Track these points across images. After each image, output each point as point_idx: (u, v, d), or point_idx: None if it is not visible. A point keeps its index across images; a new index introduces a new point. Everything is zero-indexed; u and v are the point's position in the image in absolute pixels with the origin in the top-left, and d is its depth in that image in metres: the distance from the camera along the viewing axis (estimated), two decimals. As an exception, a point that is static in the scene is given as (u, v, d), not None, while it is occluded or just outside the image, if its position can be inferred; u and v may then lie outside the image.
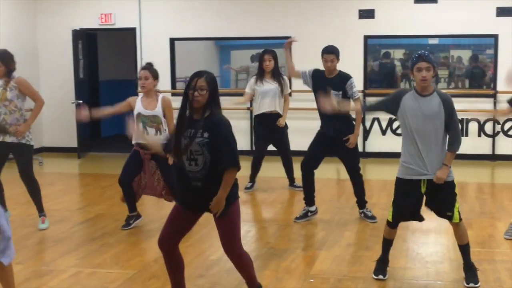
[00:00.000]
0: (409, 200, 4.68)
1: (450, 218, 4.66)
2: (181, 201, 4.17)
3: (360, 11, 10.39)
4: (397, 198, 4.74)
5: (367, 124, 10.53)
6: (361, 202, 6.66)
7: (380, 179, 8.55)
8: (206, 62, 11.81)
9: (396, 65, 11.31)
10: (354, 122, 6.51)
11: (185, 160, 3.97)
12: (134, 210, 6.33)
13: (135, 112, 6.06)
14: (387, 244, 4.90)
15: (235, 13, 10.82)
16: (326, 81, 6.35)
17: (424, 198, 4.70)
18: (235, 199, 4.11)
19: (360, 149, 10.46)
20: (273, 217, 7.06)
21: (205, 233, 5.97)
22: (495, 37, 10.21)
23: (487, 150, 10.31)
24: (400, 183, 4.73)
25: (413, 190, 4.64)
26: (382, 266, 4.90)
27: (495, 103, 10.20)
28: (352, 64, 10.30)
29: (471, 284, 4.65)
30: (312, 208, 6.67)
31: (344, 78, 6.41)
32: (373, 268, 4.95)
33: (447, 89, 10.67)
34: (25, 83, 6.22)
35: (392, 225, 4.81)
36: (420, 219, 4.79)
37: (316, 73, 6.49)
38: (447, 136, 4.63)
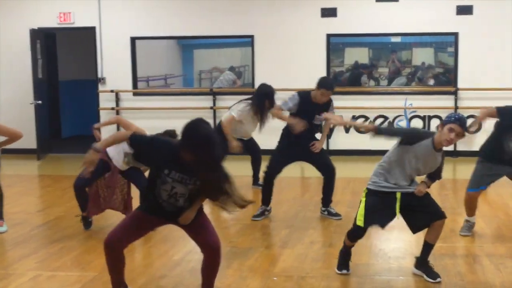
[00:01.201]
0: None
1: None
2: (146, 209, 4.09)
3: (322, 9, 10.42)
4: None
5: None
6: (327, 200, 6.66)
7: (344, 176, 8.55)
8: (168, 62, 11.69)
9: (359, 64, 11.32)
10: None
11: (164, 194, 3.92)
12: (85, 209, 6.20)
13: None
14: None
15: (198, 12, 10.75)
16: (312, 106, 6.39)
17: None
18: None
19: (324, 147, 10.51)
20: (237, 216, 6.96)
21: (167, 234, 5.88)
22: (456, 35, 10.35)
23: (449, 147, 10.39)
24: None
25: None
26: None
27: (456, 100, 10.34)
28: (315, 62, 10.37)
29: (438, 279, 4.67)
30: (268, 207, 6.68)
31: (327, 102, 6.45)
32: (334, 265, 4.96)
33: (409, 87, 10.75)
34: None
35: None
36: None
37: (302, 99, 6.43)
38: None
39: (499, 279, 4.77)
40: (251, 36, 10.46)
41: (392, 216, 4.72)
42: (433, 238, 4.75)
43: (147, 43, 11.08)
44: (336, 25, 10.43)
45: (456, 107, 10.31)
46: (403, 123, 10.37)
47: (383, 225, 4.76)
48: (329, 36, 10.49)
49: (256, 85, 10.43)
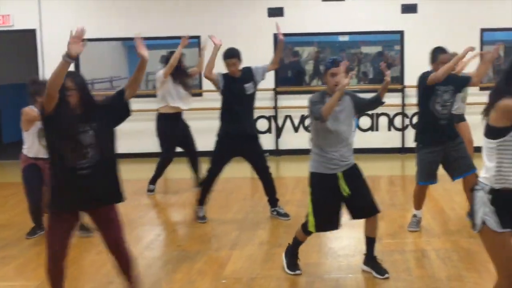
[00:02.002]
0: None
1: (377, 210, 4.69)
2: (62, 203, 3.90)
3: (269, 9, 10.41)
4: None
5: (280, 122, 10.56)
6: (273, 200, 6.61)
7: (294, 176, 8.56)
8: (114, 64, 11.46)
9: (306, 63, 11.35)
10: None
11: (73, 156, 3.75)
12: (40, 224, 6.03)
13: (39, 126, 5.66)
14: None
15: (144, 13, 10.58)
16: (236, 80, 6.30)
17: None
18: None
19: (273, 146, 10.52)
20: (184, 219, 6.90)
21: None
22: (401, 33, 10.48)
23: (397, 143, 10.57)
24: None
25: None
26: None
27: (403, 98, 10.46)
28: (263, 62, 10.29)
29: (386, 275, 4.68)
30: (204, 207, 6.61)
31: (247, 70, 6.43)
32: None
33: (357, 85, 10.84)
34: None
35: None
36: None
37: (225, 76, 6.37)
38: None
39: (444, 272, 4.83)
40: (198, 37, 10.35)
41: (339, 206, 4.65)
42: (371, 230, 4.76)
43: (91, 45, 10.78)
44: (283, 25, 10.34)
45: (404, 105, 10.44)
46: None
47: (336, 227, 4.74)
48: (276, 36, 10.44)
49: (204, 86, 10.36)
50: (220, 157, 6.38)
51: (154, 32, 10.48)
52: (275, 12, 10.37)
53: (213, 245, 5.84)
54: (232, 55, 6.29)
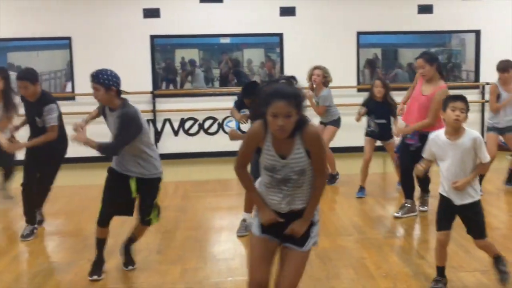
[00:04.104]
0: None
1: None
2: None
3: (144, 10, 10.11)
4: None
5: (159, 126, 10.29)
6: None
7: (173, 180, 8.34)
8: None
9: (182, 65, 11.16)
10: None
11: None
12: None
13: None
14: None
15: (11, 13, 9.93)
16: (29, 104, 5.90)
17: None
18: None
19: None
20: (57, 229, 6.49)
21: None
22: (280, 35, 10.54)
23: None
24: None
25: None
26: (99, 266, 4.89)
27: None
28: (139, 64, 10.03)
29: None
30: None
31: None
32: (164, 272, 4.76)
33: (240, 88, 10.77)
34: None
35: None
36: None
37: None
38: None
39: (324, 272, 4.82)
40: (69, 38, 9.88)
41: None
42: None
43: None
44: (160, 26, 10.17)
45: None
46: (232, 124, 10.36)
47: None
48: (153, 37, 10.21)
49: (77, 89, 9.93)
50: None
51: (21, 33, 9.92)
52: (151, 13, 10.10)
53: (86, 255, 5.48)
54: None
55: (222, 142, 9.72)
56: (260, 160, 3.19)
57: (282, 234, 3.20)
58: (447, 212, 4.21)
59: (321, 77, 7.73)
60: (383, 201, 7.25)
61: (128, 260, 5.05)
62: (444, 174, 4.16)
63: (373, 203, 7.09)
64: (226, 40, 11.08)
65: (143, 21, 10.11)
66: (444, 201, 4.21)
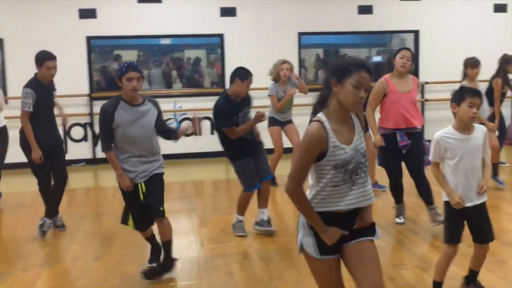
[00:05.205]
0: None
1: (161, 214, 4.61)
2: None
3: (80, 10, 9.84)
4: None
5: (96, 129, 10.01)
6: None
7: (112, 185, 8.10)
8: None
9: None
10: None
11: None
12: None
13: None
14: None
15: None
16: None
17: None
18: None
19: (90, 155, 9.97)
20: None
21: None
22: (221, 36, 10.44)
23: (220, 147, 10.45)
24: None
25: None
26: None
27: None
28: (75, 66, 9.75)
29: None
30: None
31: None
32: (102, 279, 4.58)
33: (180, 90, 10.65)
34: None
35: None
36: None
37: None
38: None
39: (267, 273, 4.75)
40: (1, 40, 9.54)
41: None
42: (167, 234, 4.76)
43: None
44: (96, 27, 9.91)
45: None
46: (173, 126, 10.18)
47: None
48: (89, 38, 9.94)
49: (10, 92, 9.60)
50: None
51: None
52: (87, 13, 9.84)
53: (20, 264, 5.23)
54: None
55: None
56: (322, 164, 2.86)
57: (342, 239, 2.90)
58: (458, 220, 3.90)
59: (289, 71, 7.71)
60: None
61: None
62: (454, 172, 3.86)
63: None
64: (167, 41, 10.92)
65: (78, 22, 9.84)
66: (451, 208, 3.87)
